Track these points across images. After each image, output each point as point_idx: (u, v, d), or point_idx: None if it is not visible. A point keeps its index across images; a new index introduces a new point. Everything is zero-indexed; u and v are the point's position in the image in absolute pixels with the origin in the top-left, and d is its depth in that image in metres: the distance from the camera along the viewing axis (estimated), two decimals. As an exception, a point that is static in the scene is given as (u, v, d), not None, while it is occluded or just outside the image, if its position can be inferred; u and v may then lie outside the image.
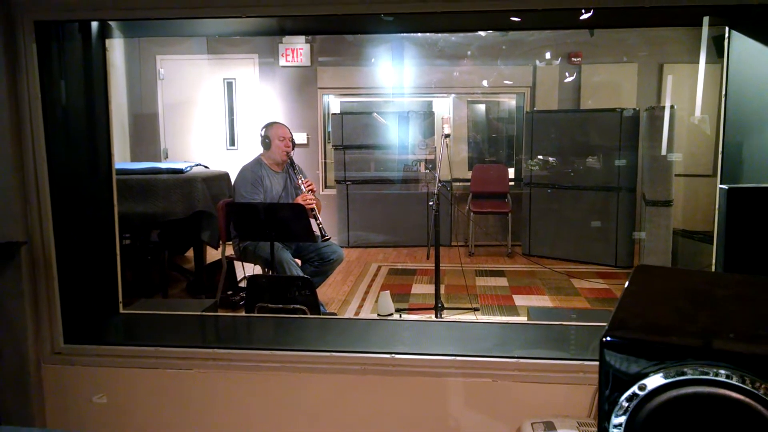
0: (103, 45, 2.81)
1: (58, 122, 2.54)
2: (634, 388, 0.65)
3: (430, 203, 4.03)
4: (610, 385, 0.67)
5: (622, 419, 0.66)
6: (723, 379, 0.62)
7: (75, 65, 2.66)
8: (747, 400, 0.62)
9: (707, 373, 0.63)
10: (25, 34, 2.34)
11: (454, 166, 7.31)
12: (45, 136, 2.41)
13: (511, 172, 7.26)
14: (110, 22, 2.82)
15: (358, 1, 2.36)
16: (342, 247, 6.62)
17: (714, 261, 1.97)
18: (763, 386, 0.61)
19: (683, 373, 0.64)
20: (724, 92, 2.58)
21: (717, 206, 1.72)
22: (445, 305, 4.54)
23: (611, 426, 0.66)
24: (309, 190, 4.24)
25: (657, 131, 5.26)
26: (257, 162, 4.31)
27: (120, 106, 6.85)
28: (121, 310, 2.87)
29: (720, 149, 2.60)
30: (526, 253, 6.53)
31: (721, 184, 2.67)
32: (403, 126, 7.01)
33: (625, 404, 0.66)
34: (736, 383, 0.62)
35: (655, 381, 0.65)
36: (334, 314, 4.52)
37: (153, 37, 6.47)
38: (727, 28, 2.56)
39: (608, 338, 0.67)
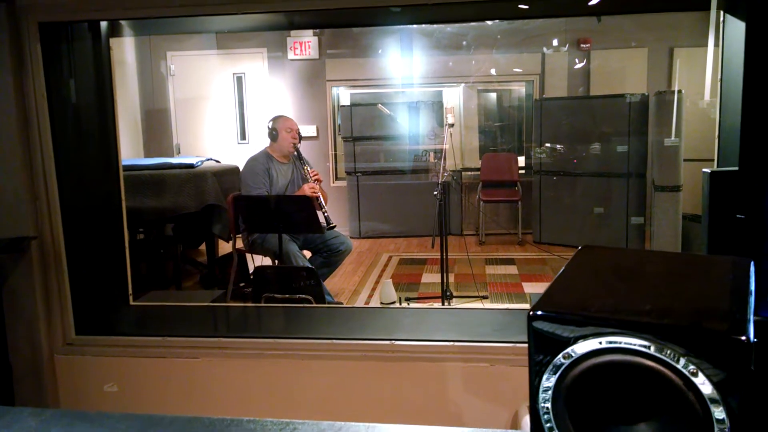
0: (108, 44, 2.88)
1: (65, 120, 2.62)
2: (559, 357, 0.70)
3: (434, 193, 4.06)
4: (538, 354, 0.72)
5: (551, 384, 0.71)
6: (635, 347, 0.67)
7: (80, 64, 2.73)
8: (656, 366, 0.66)
9: (621, 342, 0.67)
10: (30, 36, 2.41)
11: (466, 155, 7.33)
12: (52, 134, 2.49)
13: (522, 160, 7.25)
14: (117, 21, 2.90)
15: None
16: (353, 237, 6.71)
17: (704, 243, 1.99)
18: (671, 353, 0.65)
19: (602, 343, 0.68)
20: (720, 77, 2.58)
21: (702, 190, 1.74)
22: (454, 294, 4.59)
23: (541, 390, 0.71)
24: (315, 180, 4.31)
25: (665, 116, 5.24)
26: (264, 154, 4.39)
27: (132, 102, 6.96)
28: (131, 302, 2.95)
29: (716, 134, 2.60)
30: (537, 240, 6.54)
31: (718, 167, 2.68)
32: (413, 116, 7.03)
33: (552, 371, 0.71)
34: (647, 351, 0.67)
35: (578, 350, 0.70)
36: (341, 304, 4.59)
37: (161, 34, 6.55)
38: (722, 12, 2.55)
39: (534, 312, 0.71)
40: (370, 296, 4.92)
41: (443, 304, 4.30)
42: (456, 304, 4.48)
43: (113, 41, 2.94)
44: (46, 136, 2.48)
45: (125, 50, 6.76)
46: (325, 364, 2.46)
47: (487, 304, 4.58)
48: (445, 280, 4.33)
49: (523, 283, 5.13)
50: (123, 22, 3.09)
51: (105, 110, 2.85)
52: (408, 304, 4.58)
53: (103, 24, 2.81)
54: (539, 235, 6.55)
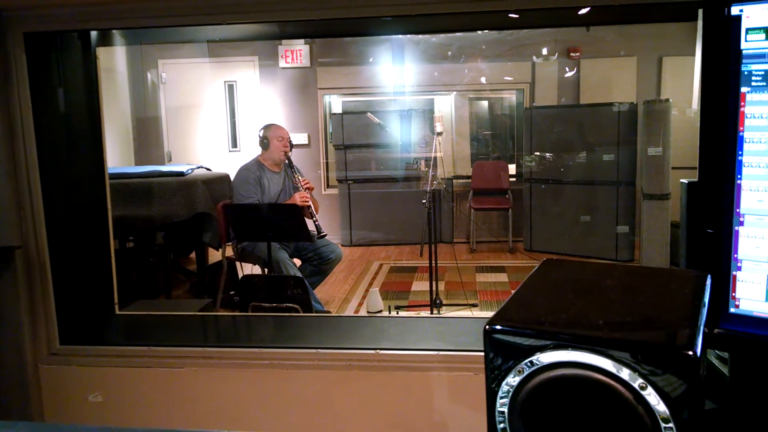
0: (95, 53, 2.88)
1: (51, 130, 2.62)
2: (514, 371, 0.71)
3: (423, 201, 4.07)
4: (494, 368, 0.73)
5: (506, 399, 0.72)
6: (587, 362, 0.68)
7: (67, 74, 2.73)
8: (607, 380, 0.67)
9: (574, 357, 0.68)
10: (15, 46, 2.41)
11: (458, 163, 7.35)
12: (37, 143, 2.49)
13: (513, 168, 7.28)
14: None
15: (354, 5, 2.40)
16: (344, 245, 6.72)
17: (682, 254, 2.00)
18: (622, 368, 0.66)
19: (555, 357, 0.69)
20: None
21: (681, 199, 1.75)
22: (444, 302, 4.59)
23: (497, 405, 0.72)
24: (306, 189, 4.31)
25: (654, 125, 5.27)
26: (256, 162, 4.39)
27: (123, 110, 6.96)
28: (117, 312, 2.94)
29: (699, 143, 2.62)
30: (528, 248, 6.56)
31: (700, 176, 2.69)
32: (404, 124, 7.05)
33: (507, 386, 0.72)
34: (598, 365, 0.67)
35: (533, 363, 0.71)
36: (329, 312, 4.59)
37: (151, 43, 6.56)
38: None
39: (489, 326, 0.72)
40: (360, 304, 4.92)
41: (432, 313, 4.31)
42: (446, 312, 4.49)
43: (104, 49, 2.94)
44: (31, 145, 2.47)
45: (116, 58, 6.77)
46: (310, 373, 2.46)
47: (477, 312, 4.58)
48: (434, 289, 4.34)
49: (513, 291, 5.13)
50: (112, 31, 3.09)
51: (92, 119, 2.85)
52: (398, 312, 4.58)
53: (92, 33, 2.81)
54: (530, 243, 6.57)
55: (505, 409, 0.71)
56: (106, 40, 3.20)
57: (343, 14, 2.41)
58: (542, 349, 0.69)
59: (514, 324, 0.72)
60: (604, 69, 6.83)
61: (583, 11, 2.81)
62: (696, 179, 2.20)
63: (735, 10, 0.96)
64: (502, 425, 0.72)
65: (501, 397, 0.71)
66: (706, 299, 0.77)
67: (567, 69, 6.91)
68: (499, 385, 0.71)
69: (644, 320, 0.73)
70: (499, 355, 0.71)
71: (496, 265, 6.08)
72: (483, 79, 7.07)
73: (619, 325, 0.71)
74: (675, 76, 6.61)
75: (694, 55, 5.50)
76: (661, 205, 5.18)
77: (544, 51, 6.89)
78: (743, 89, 1.00)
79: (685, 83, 6.15)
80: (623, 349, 0.66)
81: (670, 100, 5.27)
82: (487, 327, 0.73)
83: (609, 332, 0.68)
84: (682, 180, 1.78)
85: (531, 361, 0.69)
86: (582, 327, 0.71)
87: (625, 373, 0.66)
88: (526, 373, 0.70)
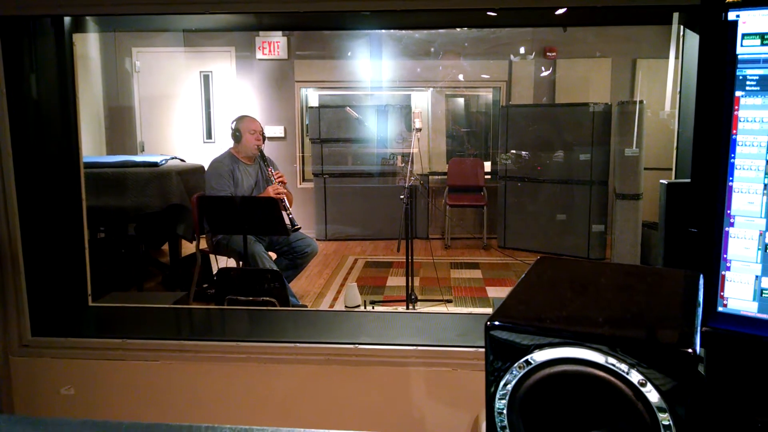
0: (71, 39, 2.82)
1: (25, 117, 2.55)
2: (514, 367, 0.72)
3: (401, 197, 4.08)
4: (494, 365, 0.73)
5: (506, 393, 0.72)
6: (588, 358, 0.69)
7: (41, 60, 2.67)
8: (607, 376, 0.68)
9: (575, 353, 0.69)
10: (-11, 30, 2.35)
11: (434, 159, 7.37)
12: (11, 131, 2.43)
13: (488, 166, 7.33)
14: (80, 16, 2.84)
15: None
16: (319, 240, 6.70)
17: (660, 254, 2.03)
18: (622, 364, 0.68)
19: (555, 354, 0.70)
20: (679, 89, 2.65)
21: (659, 200, 1.78)
22: (419, 297, 4.61)
23: (497, 401, 0.72)
24: (279, 182, 4.28)
25: (627, 126, 5.36)
26: (228, 155, 4.34)
27: (96, 98, 6.82)
28: (90, 303, 2.89)
29: (675, 144, 2.68)
30: (502, 245, 6.62)
31: (676, 178, 2.75)
32: (381, 120, 7.05)
33: (508, 382, 0.72)
34: (599, 362, 0.69)
35: (533, 360, 0.71)
36: (305, 306, 4.57)
37: (127, 30, 6.44)
38: (681, 27, 2.63)
39: (490, 323, 0.73)
40: (335, 299, 4.91)
41: (408, 308, 4.32)
42: (421, 307, 4.51)
43: (77, 36, 2.88)
44: (4, 132, 2.41)
45: (89, 45, 6.62)
46: (288, 368, 2.45)
47: (452, 308, 4.61)
48: (410, 284, 4.35)
49: (487, 288, 5.18)
50: (87, 18, 3.03)
51: (66, 107, 2.79)
52: (373, 307, 4.59)
53: (66, 19, 2.75)
54: (504, 240, 6.63)
55: (504, 405, 0.71)
56: (80, 27, 3.13)
57: (324, 8, 2.40)
58: (542, 345, 0.70)
59: (514, 321, 0.72)
60: (579, 69, 6.91)
61: (561, 11, 2.84)
62: (673, 180, 2.24)
63: (732, 16, 0.99)
64: (501, 425, 0.73)
65: (500, 393, 0.72)
66: (701, 298, 0.79)
67: (543, 68, 6.98)
68: (498, 381, 0.72)
69: (643, 319, 0.75)
70: (500, 352, 0.71)
71: (470, 261, 6.13)
72: (460, 77, 7.10)
73: (619, 323, 0.72)
74: (648, 78, 6.72)
75: (667, 58, 5.61)
76: (634, 205, 5.27)
77: (522, 50, 6.95)
78: (737, 93, 1.02)
79: (658, 86, 6.26)
80: (625, 346, 0.67)
81: (644, 102, 5.36)
82: (488, 323, 0.73)
83: (610, 329, 0.70)
84: (661, 180, 1.82)
85: (531, 358, 0.70)
86: (583, 324, 0.72)
87: (625, 370, 0.67)
88: (526, 369, 0.70)
